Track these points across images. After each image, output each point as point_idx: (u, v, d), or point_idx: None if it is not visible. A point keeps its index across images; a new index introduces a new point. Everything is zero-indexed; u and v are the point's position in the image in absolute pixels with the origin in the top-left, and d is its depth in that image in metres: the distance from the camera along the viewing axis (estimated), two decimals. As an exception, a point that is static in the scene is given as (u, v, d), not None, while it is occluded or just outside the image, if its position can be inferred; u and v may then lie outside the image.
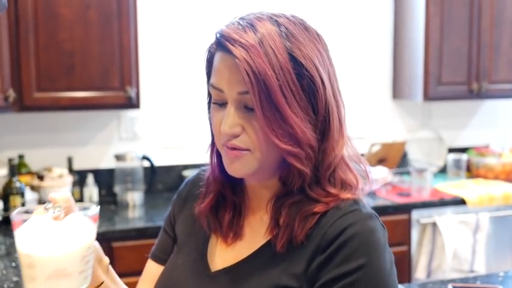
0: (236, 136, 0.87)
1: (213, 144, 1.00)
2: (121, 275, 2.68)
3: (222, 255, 0.96)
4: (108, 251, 2.41)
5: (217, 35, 0.88)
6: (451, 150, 3.50)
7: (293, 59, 0.84)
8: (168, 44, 2.98)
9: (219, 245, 0.98)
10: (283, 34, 0.85)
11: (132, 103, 2.62)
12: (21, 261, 0.78)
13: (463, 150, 3.52)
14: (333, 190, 0.89)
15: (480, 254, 2.90)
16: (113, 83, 2.59)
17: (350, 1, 3.26)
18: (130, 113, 2.94)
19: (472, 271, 2.90)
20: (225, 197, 0.99)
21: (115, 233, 2.43)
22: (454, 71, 3.15)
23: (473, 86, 3.16)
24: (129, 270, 2.42)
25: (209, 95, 0.96)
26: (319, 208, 0.88)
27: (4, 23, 2.38)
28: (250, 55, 0.82)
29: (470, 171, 3.38)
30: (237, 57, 0.83)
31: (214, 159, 0.99)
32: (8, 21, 2.40)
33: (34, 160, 2.80)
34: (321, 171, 0.89)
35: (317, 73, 0.86)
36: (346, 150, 0.92)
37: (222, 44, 0.86)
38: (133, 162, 2.82)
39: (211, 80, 0.90)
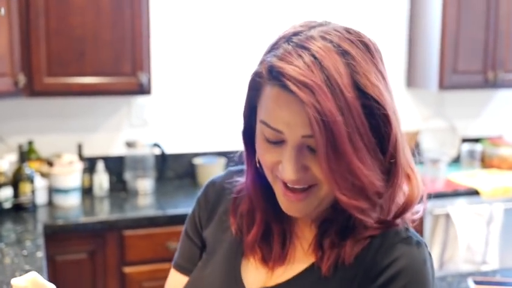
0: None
1: (250, 165, 0.90)
2: (132, 264, 2.68)
3: (258, 274, 0.90)
4: (120, 239, 2.39)
5: (273, 70, 0.76)
6: (464, 140, 3.46)
7: (361, 92, 0.75)
8: (180, 30, 2.93)
9: (255, 262, 0.92)
10: (350, 65, 0.75)
11: (143, 89, 2.58)
12: None
13: (476, 140, 3.48)
14: (387, 218, 0.83)
15: (493, 246, 2.87)
16: (125, 69, 2.55)
17: (364, -13, 3.19)
18: (141, 100, 2.91)
19: (484, 262, 2.87)
20: (270, 226, 0.92)
21: (126, 221, 2.40)
22: (470, 59, 3.09)
23: (489, 75, 3.11)
24: (141, 258, 2.42)
25: (247, 120, 0.87)
26: (371, 232, 0.83)
27: (15, 6, 2.33)
28: (318, 98, 0.72)
29: (484, 161, 3.33)
30: (304, 101, 0.72)
31: (255, 185, 0.90)
32: (19, 5, 2.36)
33: (44, 146, 2.78)
34: (383, 209, 0.83)
35: (385, 104, 0.77)
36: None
37: (279, 80, 0.75)
38: (144, 150, 2.79)
39: (264, 117, 0.79)
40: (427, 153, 3.24)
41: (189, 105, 3.00)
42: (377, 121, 0.76)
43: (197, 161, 2.95)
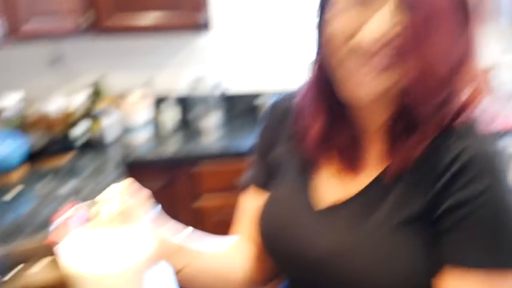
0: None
1: (318, 60, 0.84)
2: (203, 198, 2.69)
3: (329, 190, 0.87)
4: (189, 174, 2.44)
5: None
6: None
7: None
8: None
9: (325, 179, 0.88)
10: None
11: (205, 26, 2.55)
12: (68, 280, 0.72)
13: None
14: (453, 110, 0.78)
15: None
16: (187, 5, 2.52)
17: None
18: (206, 37, 2.88)
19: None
20: (334, 122, 0.86)
21: (195, 157, 2.43)
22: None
23: None
24: (211, 193, 2.46)
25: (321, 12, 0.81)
26: (435, 129, 0.77)
27: None
28: None
29: None
30: None
31: (320, 86, 0.85)
32: None
33: (113, 83, 2.82)
34: (447, 106, 0.77)
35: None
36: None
37: None
38: (208, 88, 2.79)
39: None
40: (503, 87, 3.08)
41: (252, 44, 2.95)
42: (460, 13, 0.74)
43: (260, 100, 2.92)
